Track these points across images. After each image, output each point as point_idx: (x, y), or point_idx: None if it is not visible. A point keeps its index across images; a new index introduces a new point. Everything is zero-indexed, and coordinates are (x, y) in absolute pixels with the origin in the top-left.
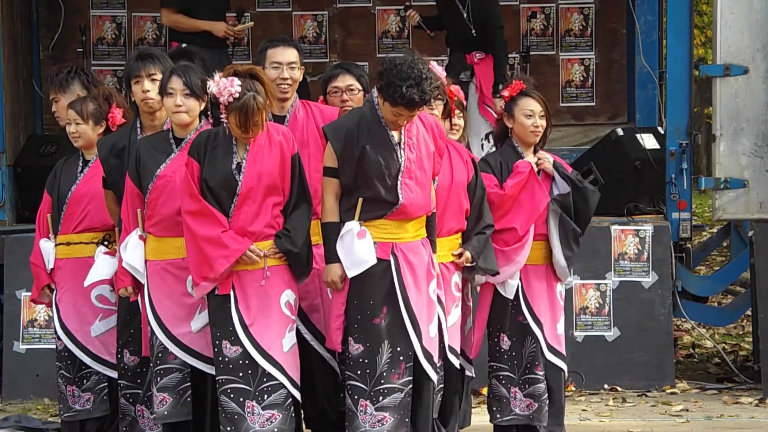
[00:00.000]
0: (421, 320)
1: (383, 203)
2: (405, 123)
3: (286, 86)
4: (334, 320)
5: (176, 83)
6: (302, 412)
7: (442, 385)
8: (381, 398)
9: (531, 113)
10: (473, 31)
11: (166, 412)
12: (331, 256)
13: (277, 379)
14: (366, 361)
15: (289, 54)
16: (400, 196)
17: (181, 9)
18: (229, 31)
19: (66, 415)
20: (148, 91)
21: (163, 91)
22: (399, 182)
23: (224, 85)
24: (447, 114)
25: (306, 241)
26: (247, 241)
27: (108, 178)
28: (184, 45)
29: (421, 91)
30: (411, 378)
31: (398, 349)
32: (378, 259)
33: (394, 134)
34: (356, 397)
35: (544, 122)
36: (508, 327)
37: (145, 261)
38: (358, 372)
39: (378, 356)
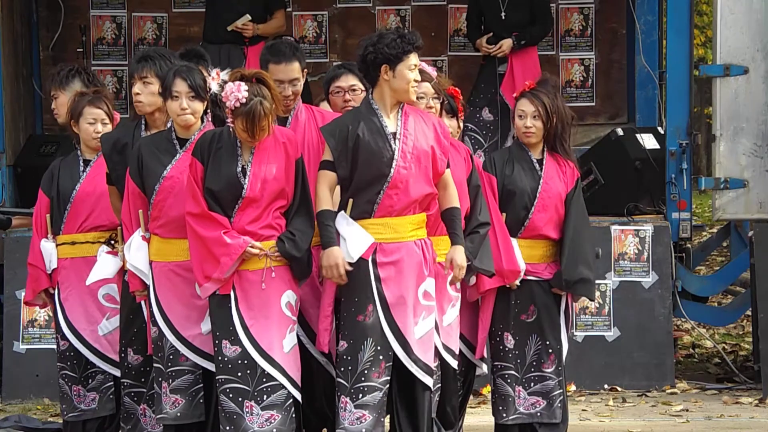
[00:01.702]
0: (405, 321)
1: (375, 188)
2: (418, 83)
3: (288, 102)
4: (321, 321)
5: (181, 86)
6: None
7: (439, 385)
8: (361, 396)
9: (522, 114)
10: (503, 14)
11: (179, 414)
12: (330, 240)
13: (276, 380)
14: (349, 358)
15: (291, 71)
16: (390, 175)
17: None
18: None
19: (70, 414)
20: (138, 93)
21: (167, 94)
22: (392, 170)
23: (231, 90)
24: (451, 113)
25: (309, 246)
26: (246, 238)
27: (111, 174)
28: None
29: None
30: (389, 378)
31: (379, 348)
32: (363, 259)
33: (389, 124)
34: (339, 393)
35: (539, 123)
36: (512, 326)
37: (150, 262)
38: (342, 369)
39: (360, 354)
